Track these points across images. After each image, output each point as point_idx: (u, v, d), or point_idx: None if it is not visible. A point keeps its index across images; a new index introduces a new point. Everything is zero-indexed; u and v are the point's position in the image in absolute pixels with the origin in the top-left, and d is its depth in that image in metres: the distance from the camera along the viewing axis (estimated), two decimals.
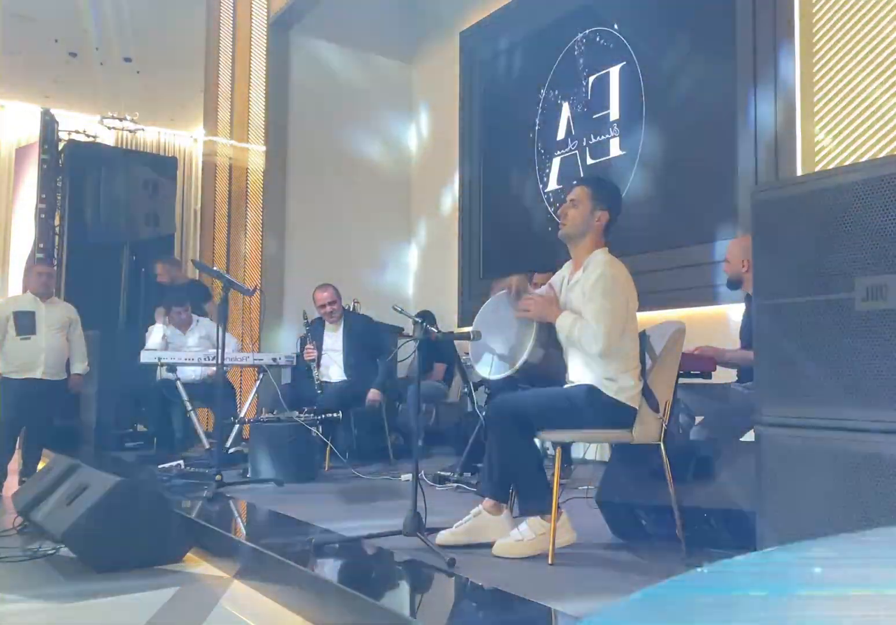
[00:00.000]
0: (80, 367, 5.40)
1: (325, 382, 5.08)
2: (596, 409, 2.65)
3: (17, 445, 5.17)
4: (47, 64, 9.32)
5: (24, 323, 5.07)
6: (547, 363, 2.83)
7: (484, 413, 4.15)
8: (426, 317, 6.43)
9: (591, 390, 2.67)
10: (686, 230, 5.07)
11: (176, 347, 5.58)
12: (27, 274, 5.39)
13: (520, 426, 2.63)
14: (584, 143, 5.99)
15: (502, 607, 2.21)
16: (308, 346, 5.06)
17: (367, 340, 5.13)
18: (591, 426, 2.69)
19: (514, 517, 2.79)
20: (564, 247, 2.96)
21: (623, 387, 2.68)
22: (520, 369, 2.75)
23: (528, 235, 6.46)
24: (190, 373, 5.52)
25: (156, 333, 5.75)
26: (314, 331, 5.18)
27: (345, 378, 5.06)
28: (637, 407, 2.69)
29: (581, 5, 6.06)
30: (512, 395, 2.73)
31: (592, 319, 2.63)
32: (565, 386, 2.80)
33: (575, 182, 2.99)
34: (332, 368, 5.15)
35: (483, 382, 4.63)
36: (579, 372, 2.77)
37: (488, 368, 2.88)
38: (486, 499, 2.76)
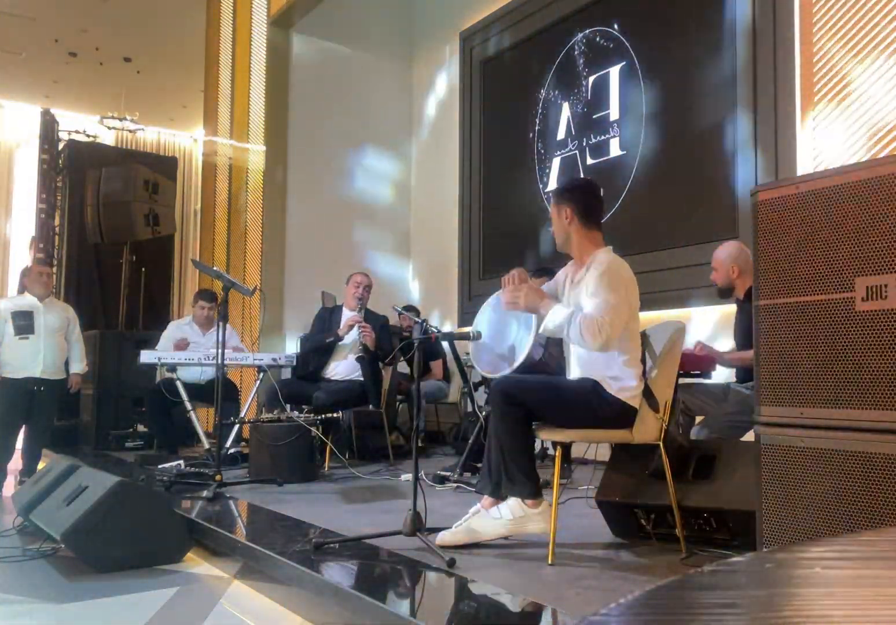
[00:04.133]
0: (78, 366, 5.40)
1: (330, 379, 5.08)
2: (597, 405, 2.65)
3: (16, 445, 5.17)
4: (47, 64, 9.33)
5: (22, 323, 5.08)
6: (546, 361, 2.83)
7: (484, 413, 4.15)
8: (411, 312, 6.47)
9: (596, 385, 2.68)
10: (686, 230, 5.07)
11: (193, 345, 5.57)
12: (26, 274, 5.39)
13: (519, 409, 2.63)
14: (584, 144, 5.99)
15: (502, 607, 2.21)
16: (357, 315, 5.04)
17: (380, 339, 5.09)
18: (592, 423, 2.69)
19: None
20: None
21: (624, 386, 2.68)
22: (518, 368, 2.75)
23: (528, 236, 6.46)
24: (195, 373, 5.51)
25: (164, 337, 5.71)
26: (332, 317, 5.17)
27: (352, 378, 5.04)
28: (637, 407, 2.70)
29: (581, 5, 6.06)
30: (518, 377, 2.72)
31: (595, 312, 2.62)
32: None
33: None
34: (340, 364, 5.13)
35: (483, 382, 4.64)
36: (581, 370, 2.77)
37: (489, 368, 2.89)
38: (485, 498, 2.76)
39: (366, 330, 4.92)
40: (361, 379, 5.00)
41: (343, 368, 5.13)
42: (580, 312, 2.63)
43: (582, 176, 5.89)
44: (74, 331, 5.40)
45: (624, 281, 2.72)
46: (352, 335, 5.06)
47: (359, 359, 4.96)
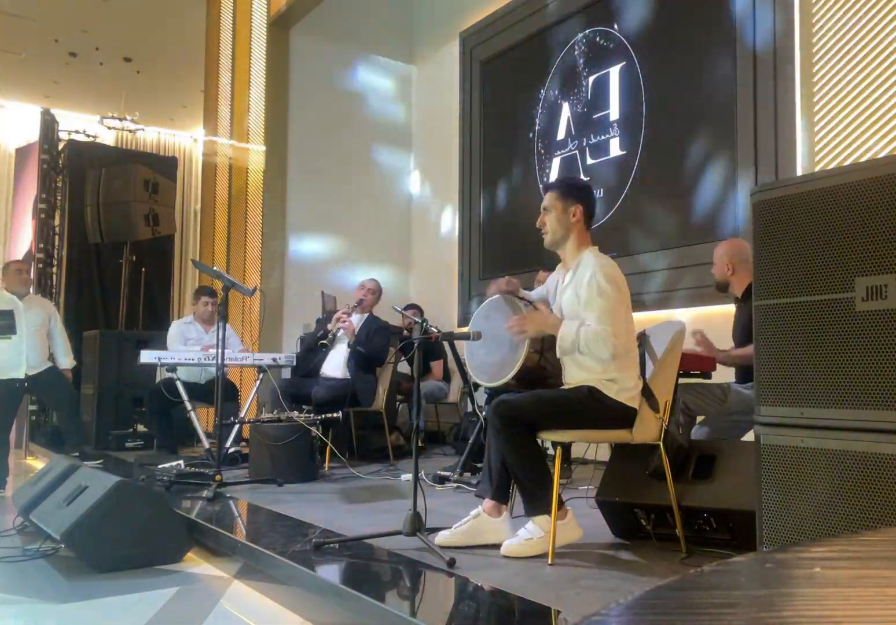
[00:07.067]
0: (66, 361, 5.31)
1: (325, 377, 5.07)
2: (597, 410, 2.64)
3: (10, 444, 5.14)
4: (47, 64, 9.33)
5: (2, 323, 4.95)
6: (543, 367, 2.82)
7: (484, 413, 4.15)
8: (413, 309, 6.45)
9: (592, 391, 2.66)
10: (686, 230, 5.08)
11: (196, 342, 5.56)
12: (4, 272, 5.21)
13: (521, 428, 2.61)
14: (584, 144, 5.99)
15: (502, 607, 2.21)
16: (343, 312, 5.06)
17: (372, 340, 5.10)
18: (592, 427, 2.69)
19: (514, 518, 2.79)
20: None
21: (623, 387, 2.67)
22: (516, 376, 2.74)
23: (528, 236, 6.43)
24: (195, 374, 5.50)
25: (171, 338, 5.66)
26: (330, 318, 5.19)
27: (346, 377, 5.04)
28: (637, 407, 2.69)
29: (581, 5, 6.07)
30: (512, 396, 2.71)
31: (596, 323, 2.60)
32: (563, 387, 2.80)
33: (544, 191, 2.98)
34: (333, 366, 5.12)
35: None
36: (577, 374, 2.75)
37: (485, 377, 2.88)
38: (486, 501, 2.76)
39: (344, 323, 4.94)
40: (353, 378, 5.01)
41: (336, 362, 5.12)
42: (583, 328, 2.61)
43: (581, 176, 5.89)
44: (57, 325, 5.29)
45: (615, 281, 2.68)
46: (340, 342, 5.08)
47: (350, 346, 4.97)
